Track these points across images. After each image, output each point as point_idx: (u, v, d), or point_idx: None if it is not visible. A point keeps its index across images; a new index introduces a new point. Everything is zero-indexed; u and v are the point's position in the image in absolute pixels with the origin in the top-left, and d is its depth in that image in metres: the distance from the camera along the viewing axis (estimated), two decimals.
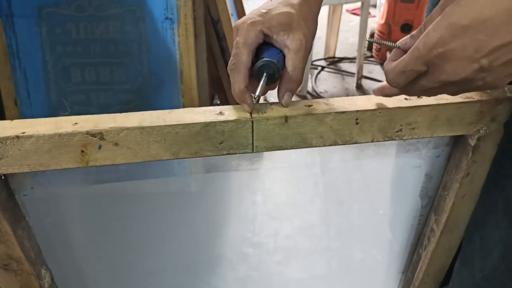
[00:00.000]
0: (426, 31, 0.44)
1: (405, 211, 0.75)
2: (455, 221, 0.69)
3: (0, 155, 0.47)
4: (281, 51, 0.53)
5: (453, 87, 0.46)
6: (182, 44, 1.45)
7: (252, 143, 0.53)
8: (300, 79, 0.52)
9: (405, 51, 0.47)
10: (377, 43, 0.52)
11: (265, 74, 0.50)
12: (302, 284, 0.84)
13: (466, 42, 0.41)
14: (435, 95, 0.48)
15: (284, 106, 0.53)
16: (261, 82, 0.50)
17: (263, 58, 0.51)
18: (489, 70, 0.42)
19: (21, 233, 0.56)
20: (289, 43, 0.51)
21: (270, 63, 0.50)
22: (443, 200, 0.68)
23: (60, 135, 0.47)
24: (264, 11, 0.52)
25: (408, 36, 0.49)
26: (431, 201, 0.72)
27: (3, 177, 0.51)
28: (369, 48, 3.16)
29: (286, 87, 0.52)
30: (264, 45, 0.53)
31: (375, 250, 0.84)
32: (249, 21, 0.51)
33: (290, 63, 0.51)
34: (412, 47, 0.45)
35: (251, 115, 0.51)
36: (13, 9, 1.39)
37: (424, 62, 0.44)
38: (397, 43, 0.50)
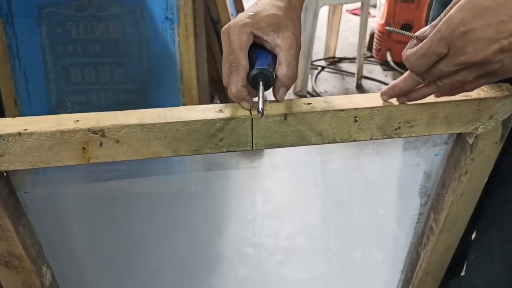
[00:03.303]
0: (448, 14, 0.45)
1: (404, 210, 0.75)
2: (454, 219, 0.69)
3: (2, 152, 0.47)
4: (269, 53, 0.54)
5: (470, 71, 0.46)
6: (182, 44, 1.45)
7: (252, 141, 0.53)
8: (294, 75, 0.53)
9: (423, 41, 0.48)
10: (396, 32, 0.53)
11: (261, 82, 0.51)
12: (302, 284, 0.84)
13: (487, 22, 0.42)
14: (450, 83, 0.49)
15: (279, 101, 0.54)
16: (260, 93, 0.50)
17: (254, 65, 0.52)
18: (509, 51, 0.43)
19: (22, 230, 0.56)
20: (280, 42, 0.52)
21: (263, 70, 0.51)
22: (442, 198, 0.68)
23: (61, 132, 0.47)
24: (251, 13, 0.53)
25: (428, 26, 0.49)
26: (430, 200, 0.72)
27: (4, 174, 0.51)
28: (369, 48, 3.17)
29: (281, 83, 0.53)
30: (252, 46, 0.53)
31: (374, 249, 0.84)
32: (239, 24, 0.52)
33: (284, 60, 0.52)
34: (435, 29, 0.46)
35: (250, 113, 0.52)
36: (13, 9, 1.39)
37: (446, 44, 0.45)
38: (417, 33, 0.50)
